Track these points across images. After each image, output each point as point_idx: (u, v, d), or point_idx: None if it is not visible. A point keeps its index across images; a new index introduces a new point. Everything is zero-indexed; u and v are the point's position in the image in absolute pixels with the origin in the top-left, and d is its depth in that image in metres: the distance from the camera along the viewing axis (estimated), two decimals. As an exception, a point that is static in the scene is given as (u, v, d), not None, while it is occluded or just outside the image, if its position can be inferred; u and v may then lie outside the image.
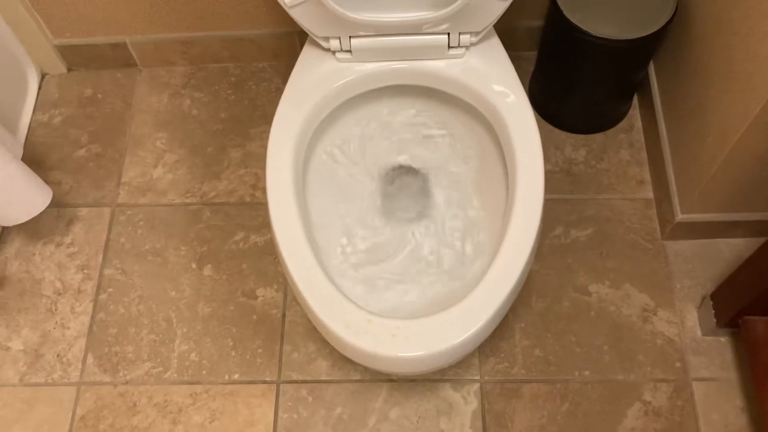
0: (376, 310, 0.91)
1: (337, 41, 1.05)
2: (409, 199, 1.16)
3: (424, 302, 1.08)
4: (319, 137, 1.10)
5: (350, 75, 1.07)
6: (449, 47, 1.05)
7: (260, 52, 1.53)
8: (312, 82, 1.07)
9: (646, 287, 1.30)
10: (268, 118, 1.48)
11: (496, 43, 1.09)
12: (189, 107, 1.52)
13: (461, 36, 1.04)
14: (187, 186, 1.43)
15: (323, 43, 1.06)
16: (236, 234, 1.37)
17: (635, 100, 1.47)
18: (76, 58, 1.55)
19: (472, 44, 1.06)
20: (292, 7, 1.01)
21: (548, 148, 1.43)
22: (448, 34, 1.04)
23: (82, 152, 1.48)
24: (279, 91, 1.52)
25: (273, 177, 0.98)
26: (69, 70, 1.58)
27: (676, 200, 1.28)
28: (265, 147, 1.01)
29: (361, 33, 1.04)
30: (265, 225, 1.38)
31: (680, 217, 1.27)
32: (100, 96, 1.54)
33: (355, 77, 1.07)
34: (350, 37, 1.04)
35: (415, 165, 1.18)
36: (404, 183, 1.18)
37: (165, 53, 1.53)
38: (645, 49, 1.25)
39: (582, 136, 1.45)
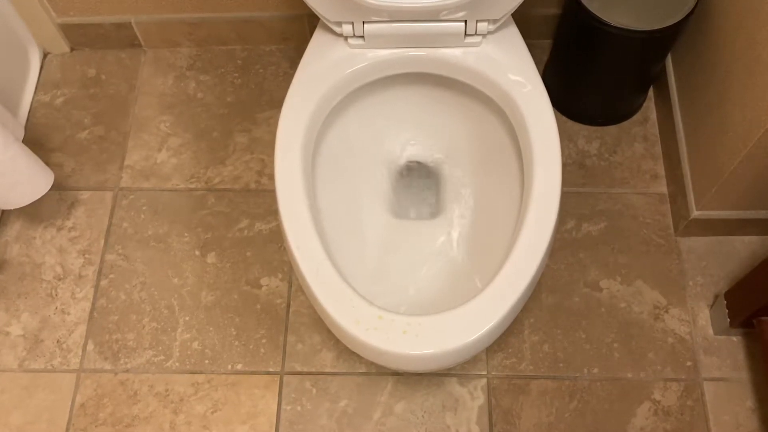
0: (382, 303, 0.89)
1: (350, 26, 1.02)
2: (420, 191, 1.14)
3: (430, 295, 1.06)
4: (330, 125, 1.08)
5: (362, 62, 1.04)
6: (466, 35, 1.02)
7: (268, 34, 1.49)
8: (323, 68, 1.03)
9: (658, 284, 1.27)
10: (275, 103, 1.45)
11: (513, 32, 1.06)
12: (194, 90, 1.49)
13: (479, 24, 1.01)
14: (191, 171, 1.40)
15: (335, 28, 1.03)
16: (241, 221, 1.35)
17: (651, 93, 1.44)
18: (80, 37, 1.51)
19: (489, 32, 1.03)
20: (304, -10, 0.98)
21: (561, 139, 1.39)
22: (465, 21, 1.00)
23: (84, 134, 1.45)
24: (287, 76, 1.49)
25: (282, 166, 0.96)
26: (72, 49, 1.54)
27: (691, 196, 1.25)
28: (271, 133, 0.98)
29: (375, 18, 1.00)
30: (271, 212, 1.35)
31: (695, 213, 1.24)
32: (103, 77, 1.51)
33: (367, 64, 1.04)
34: (363, 22, 1.01)
35: (427, 157, 1.15)
36: (416, 175, 1.16)
37: (170, 34, 1.50)
38: (665, 40, 1.22)
39: (595, 128, 1.42)
